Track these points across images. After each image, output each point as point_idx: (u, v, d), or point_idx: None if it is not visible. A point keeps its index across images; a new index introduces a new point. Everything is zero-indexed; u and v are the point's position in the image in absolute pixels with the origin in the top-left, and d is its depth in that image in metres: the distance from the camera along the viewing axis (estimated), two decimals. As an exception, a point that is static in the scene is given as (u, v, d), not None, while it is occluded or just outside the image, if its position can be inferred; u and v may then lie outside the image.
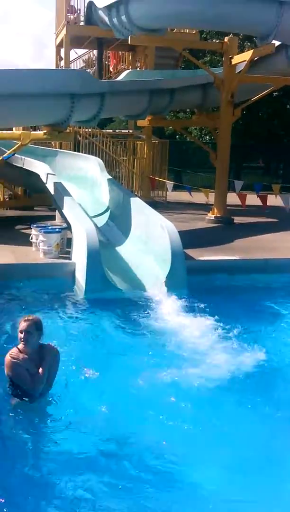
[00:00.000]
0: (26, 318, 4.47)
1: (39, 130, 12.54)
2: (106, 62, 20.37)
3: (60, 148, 15.96)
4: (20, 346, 4.42)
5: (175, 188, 16.81)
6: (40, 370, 4.37)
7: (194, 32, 17.35)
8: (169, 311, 6.71)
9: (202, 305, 6.79)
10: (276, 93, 21.63)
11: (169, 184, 16.35)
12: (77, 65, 20.95)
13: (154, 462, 3.89)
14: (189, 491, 3.63)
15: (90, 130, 17.31)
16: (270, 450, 4.09)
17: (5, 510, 3.33)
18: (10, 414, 4.35)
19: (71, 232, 8.79)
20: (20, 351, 4.43)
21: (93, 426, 4.25)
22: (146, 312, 6.78)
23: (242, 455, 3.97)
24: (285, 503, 3.53)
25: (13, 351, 4.46)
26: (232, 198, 14.72)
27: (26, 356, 4.38)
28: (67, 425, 4.23)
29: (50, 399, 4.51)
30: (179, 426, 4.31)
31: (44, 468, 3.79)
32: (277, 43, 12.45)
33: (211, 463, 3.86)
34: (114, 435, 4.17)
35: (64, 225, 9.47)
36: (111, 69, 20.16)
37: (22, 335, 4.39)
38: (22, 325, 4.41)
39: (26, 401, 4.37)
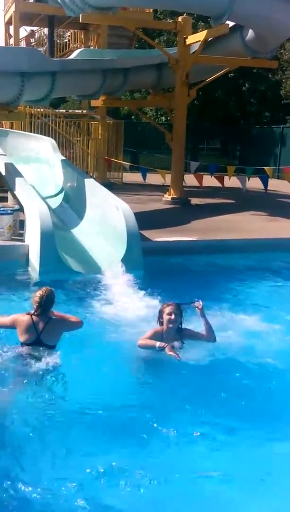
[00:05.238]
0: None
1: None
2: (58, 41, 19.89)
3: (12, 128, 15.51)
4: None
5: (132, 169, 16.65)
6: None
7: (148, 11, 17.08)
8: (124, 292, 6.60)
9: (157, 286, 6.69)
10: (231, 74, 21.67)
11: (125, 165, 16.17)
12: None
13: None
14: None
15: (42, 110, 16.89)
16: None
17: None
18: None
19: (24, 214, 8.57)
20: None
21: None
22: (100, 293, 6.66)
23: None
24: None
25: None
26: (189, 180, 14.69)
27: None
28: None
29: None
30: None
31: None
32: (231, 23, 12.36)
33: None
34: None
35: (17, 206, 9.21)
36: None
37: None
38: None
39: None
